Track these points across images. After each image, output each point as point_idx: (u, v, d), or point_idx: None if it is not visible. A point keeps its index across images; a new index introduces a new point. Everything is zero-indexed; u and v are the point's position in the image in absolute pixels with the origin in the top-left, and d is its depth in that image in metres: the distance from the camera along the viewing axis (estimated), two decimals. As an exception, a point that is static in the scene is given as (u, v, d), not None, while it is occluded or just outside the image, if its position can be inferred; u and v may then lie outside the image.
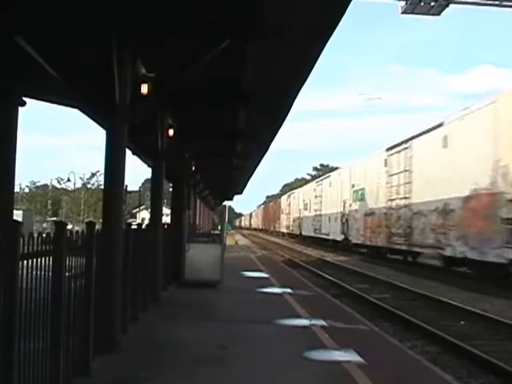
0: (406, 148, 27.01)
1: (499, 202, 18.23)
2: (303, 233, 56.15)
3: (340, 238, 39.97)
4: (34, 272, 5.03)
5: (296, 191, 66.55)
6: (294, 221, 63.93)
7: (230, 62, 9.76)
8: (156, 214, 13.89)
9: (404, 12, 27.97)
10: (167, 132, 13.82)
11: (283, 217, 72.21)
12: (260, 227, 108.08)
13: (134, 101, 8.47)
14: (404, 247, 27.29)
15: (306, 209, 55.29)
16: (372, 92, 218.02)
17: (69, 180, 67.76)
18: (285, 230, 70.88)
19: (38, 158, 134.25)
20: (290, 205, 67.44)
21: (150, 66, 10.01)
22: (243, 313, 11.72)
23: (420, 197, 25.04)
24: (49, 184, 77.99)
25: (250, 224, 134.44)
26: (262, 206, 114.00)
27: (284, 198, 75.97)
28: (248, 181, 41.59)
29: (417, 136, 26.00)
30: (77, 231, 6.75)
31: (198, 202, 33.57)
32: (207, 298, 13.66)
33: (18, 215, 28.63)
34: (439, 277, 21.79)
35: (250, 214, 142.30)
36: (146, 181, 79.95)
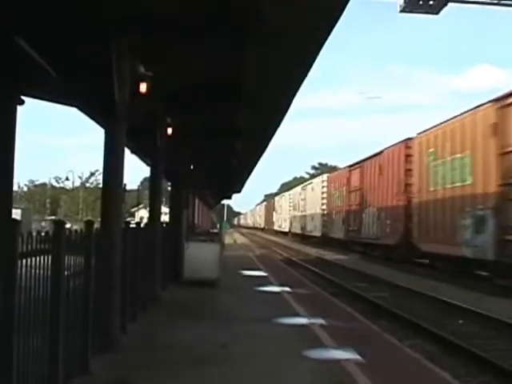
0: None
1: None
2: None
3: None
4: (33, 271, 5.03)
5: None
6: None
7: (229, 61, 9.76)
8: (154, 213, 13.88)
9: (402, 10, 27.98)
10: (166, 131, 13.80)
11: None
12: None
13: (132, 100, 8.47)
14: None
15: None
16: (371, 91, 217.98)
17: (67, 179, 67.83)
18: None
19: (36, 157, 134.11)
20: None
21: (148, 64, 10.00)
22: (242, 311, 11.70)
23: None
24: (47, 183, 78.03)
25: (269, 221, 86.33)
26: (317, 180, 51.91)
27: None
28: (246, 180, 41.61)
29: None
30: (75, 230, 6.74)
31: (197, 200, 33.55)
32: (206, 297, 13.65)
33: (16, 214, 28.56)
34: (438, 276, 21.70)
35: (270, 201, 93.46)
36: (145, 179, 79.89)
